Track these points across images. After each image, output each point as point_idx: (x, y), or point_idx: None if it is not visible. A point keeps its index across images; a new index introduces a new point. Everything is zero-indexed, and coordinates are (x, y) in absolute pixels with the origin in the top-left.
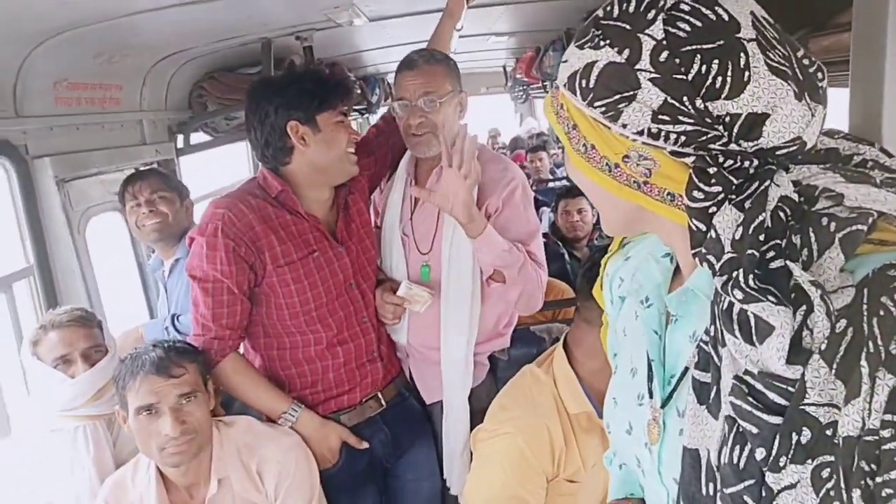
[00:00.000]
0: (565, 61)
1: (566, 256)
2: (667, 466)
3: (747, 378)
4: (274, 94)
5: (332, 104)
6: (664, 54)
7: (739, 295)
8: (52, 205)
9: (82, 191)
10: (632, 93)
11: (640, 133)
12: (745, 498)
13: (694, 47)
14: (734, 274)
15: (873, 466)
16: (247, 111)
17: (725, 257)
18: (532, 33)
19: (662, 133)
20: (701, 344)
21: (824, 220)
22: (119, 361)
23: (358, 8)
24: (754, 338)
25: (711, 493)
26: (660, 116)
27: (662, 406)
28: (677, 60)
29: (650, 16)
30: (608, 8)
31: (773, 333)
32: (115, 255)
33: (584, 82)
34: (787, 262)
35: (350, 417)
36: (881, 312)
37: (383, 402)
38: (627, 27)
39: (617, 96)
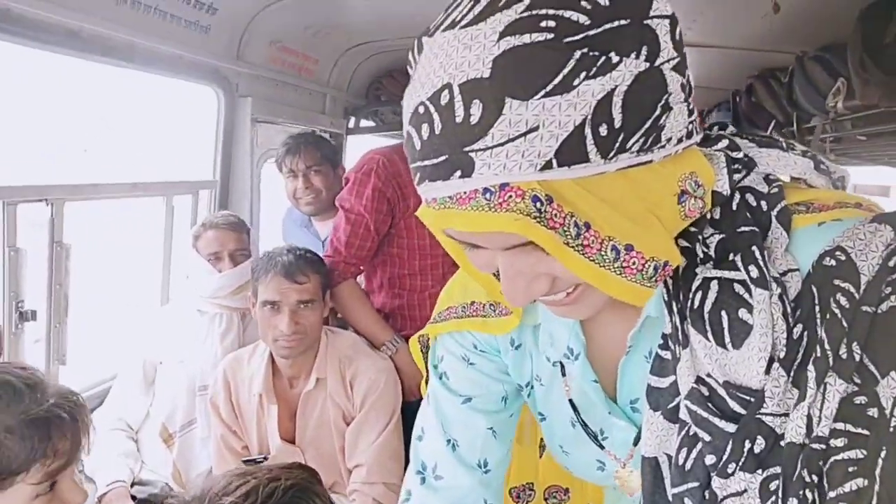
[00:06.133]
0: (533, 129)
1: None
2: None
3: (710, 381)
4: None
5: None
6: (678, 30)
7: (755, 273)
8: (244, 138)
9: (268, 134)
10: (666, 95)
11: (680, 140)
12: (686, 500)
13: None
14: (736, 255)
15: (814, 477)
16: None
17: (717, 238)
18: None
19: (695, 125)
20: (658, 350)
21: (751, 199)
22: (262, 255)
23: None
24: (727, 341)
25: None
26: (689, 107)
27: (635, 442)
28: (681, 32)
29: None
30: (579, 19)
31: (752, 333)
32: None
33: (602, 129)
34: (755, 247)
35: None
36: (828, 316)
37: None
38: (627, 21)
39: (658, 110)
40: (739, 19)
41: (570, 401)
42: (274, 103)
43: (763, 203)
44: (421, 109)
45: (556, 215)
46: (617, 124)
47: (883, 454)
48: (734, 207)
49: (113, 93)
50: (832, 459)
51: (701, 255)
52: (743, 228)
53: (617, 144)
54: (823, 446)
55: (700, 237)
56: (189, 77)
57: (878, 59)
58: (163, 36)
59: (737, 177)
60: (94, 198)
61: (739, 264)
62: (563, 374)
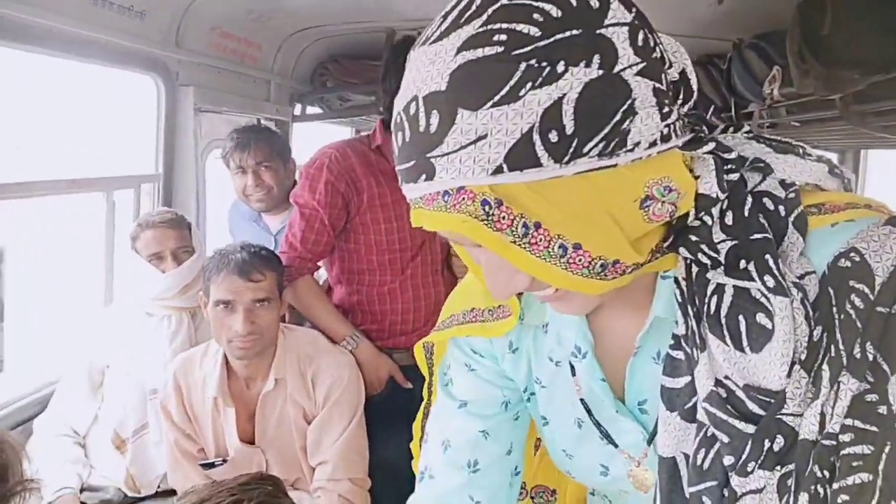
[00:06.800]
0: (482, 137)
1: None
2: None
3: (728, 384)
4: None
5: None
6: (641, 36)
7: (771, 282)
8: (187, 129)
9: (212, 124)
10: (629, 101)
11: (653, 144)
12: (704, 498)
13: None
14: (749, 263)
15: (825, 473)
16: (387, 60)
17: (728, 244)
18: None
19: (673, 129)
20: (669, 351)
21: (769, 204)
22: (213, 253)
23: None
24: (746, 345)
25: None
26: (663, 111)
27: (649, 442)
28: (650, 37)
29: (594, 3)
30: (529, 31)
31: (773, 339)
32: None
33: (553, 135)
34: (768, 257)
35: (402, 357)
36: (841, 316)
37: None
38: (578, 31)
39: (619, 115)
40: (683, 7)
41: (582, 400)
42: (217, 92)
43: (781, 208)
44: (398, 119)
45: (503, 217)
46: (569, 130)
47: (887, 449)
48: (746, 213)
49: (46, 86)
50: (841, 454)
51: (709, 262)
52: (756, 236)
53: (571, 150)
54: (834, 442)
55: (702, 245)
56: (125, 66)
57: (816, 50)
58: (94, 23)
59: (731, 177)
60: (29, 196)
61: (754, 274)
62: (574, 374)
